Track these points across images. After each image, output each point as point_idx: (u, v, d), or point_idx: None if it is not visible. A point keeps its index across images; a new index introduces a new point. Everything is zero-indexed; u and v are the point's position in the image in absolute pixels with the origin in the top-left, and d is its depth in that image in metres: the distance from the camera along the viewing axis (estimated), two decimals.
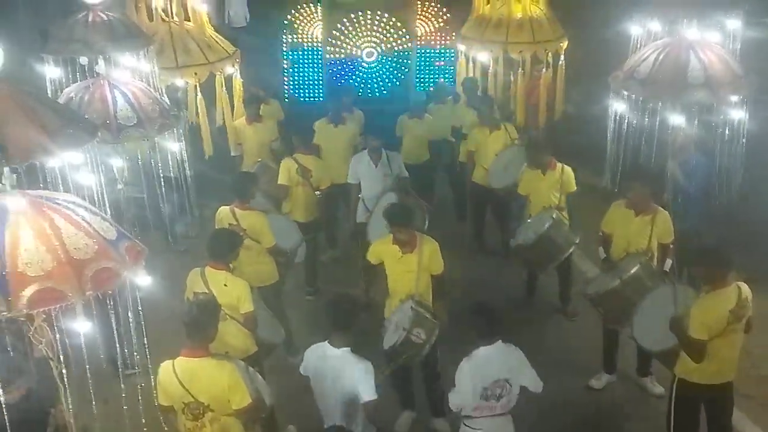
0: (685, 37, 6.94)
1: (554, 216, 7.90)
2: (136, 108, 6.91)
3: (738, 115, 6.90)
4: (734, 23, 8.10)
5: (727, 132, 7.08)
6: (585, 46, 10.42)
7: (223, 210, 7.46)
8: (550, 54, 10.42)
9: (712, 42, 7.20)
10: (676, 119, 6.87)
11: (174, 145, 7.72)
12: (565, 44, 10.48)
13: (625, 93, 6.99)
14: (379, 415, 5.43)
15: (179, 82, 9.69)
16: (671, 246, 7.03)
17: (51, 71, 7.96)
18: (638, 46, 7.75)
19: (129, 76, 7.60)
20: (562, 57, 10.36)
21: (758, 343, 7.27)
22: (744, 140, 7.07)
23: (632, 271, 6.68)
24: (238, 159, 9.93)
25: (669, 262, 7.01)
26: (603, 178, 7.72)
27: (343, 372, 5.30)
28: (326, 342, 5.42)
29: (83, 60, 8.08)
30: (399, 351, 6.32)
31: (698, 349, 5.58)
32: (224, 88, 9.99)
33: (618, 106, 7.10)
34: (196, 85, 9.77)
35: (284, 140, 10.01)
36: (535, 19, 10.61)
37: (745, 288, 5.66)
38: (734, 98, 6.83)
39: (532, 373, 5.58)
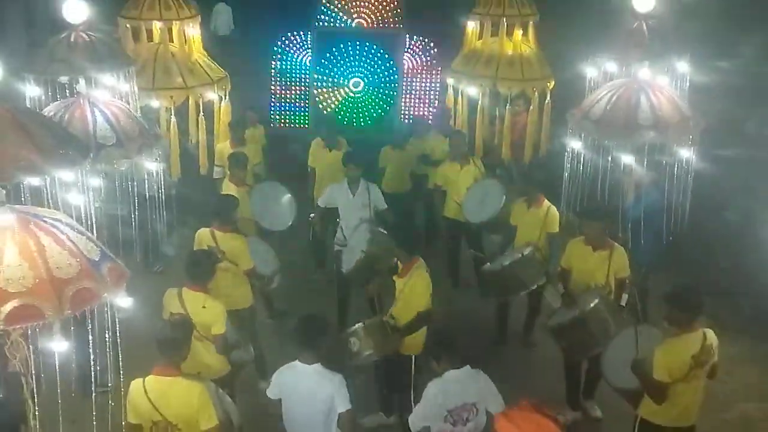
0: (637, 79, 7.60)
1: (525, 252, 8.27)
2: (115, 128, 7.14)
3: (686, 154, 7.57)
4: (684, 66, 8.82)
5: (676, 170, 7.71)
6: (569, 84, 10.88)
7: (203, 232, 7.72)
8: (536, 92, 10.85)
9: (662, 84, 7.88)
10: (630, 158, 7.52)
11: (152, 165, 8.01)
12: (552, 83, 10.93)
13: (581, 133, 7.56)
14: (354, 425, 5.77)
15: (154, 103, 10.05)
16: (627, 281, 7.50)
17: (31, 90, 8.21)
18: (593, 86, 8.42)
19: (109, 95, 7.88)
20: (549, 96, 10.79)
21: (723, 388, 7.67)
22: (691, 178, 7.70)
23: (592, 305, 7.08)
24: (218, 182, 10.23)
25: (625, 297, 7.48)
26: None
27: (317, 386, 5.62)
28: (296, 361, 5.72)
29: (63, 79, 8.33)
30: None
31: (659, 391, 5.89)
32: (202, 112, 10.33)
33: (574, 144, 7.67)
34: (170, 108, 10.10)
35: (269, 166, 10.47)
36: (525, 57, 11.11)
37: (710, 335, 5.97)
38: (683, 137, 7.50)
39: (497, 397, 5.84)
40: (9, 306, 3.91)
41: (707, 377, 6.08)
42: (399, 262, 7.20)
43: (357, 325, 6.99)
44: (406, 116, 13.86)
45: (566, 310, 7.50)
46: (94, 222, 6.40)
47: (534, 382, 8.25)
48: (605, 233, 7.52)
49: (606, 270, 7.38)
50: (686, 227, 8.27)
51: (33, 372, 4.54)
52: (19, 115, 4.17)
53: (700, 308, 5.95)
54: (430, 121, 12.09)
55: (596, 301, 7.08)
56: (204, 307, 6.44)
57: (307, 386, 5.65)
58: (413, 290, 7.00)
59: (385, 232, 8.48)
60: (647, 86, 7.58)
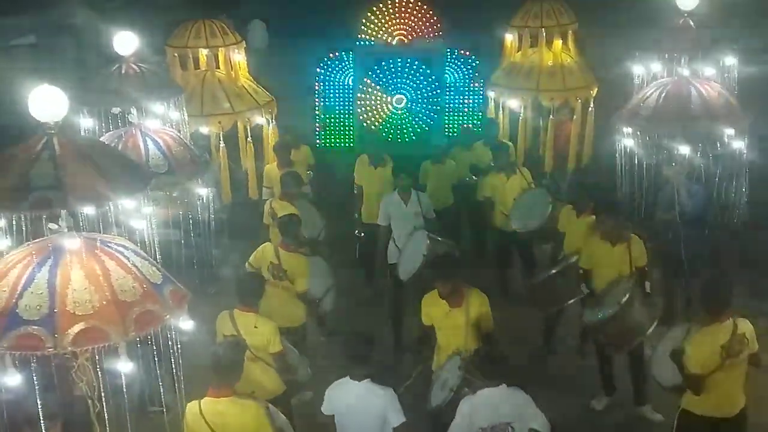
0: (684, 75, 7.76)
1: (571, 261, 8.29)
2: (167, 155, 7.40)
3: (738, 145, 7.68)
4: (731, 60, 8.93)
5: (723, 162, 7.98)
6: (612, 88, 10.90)
7: (267, 246, 7.84)
8: (579, 101, 10.89)
9: (709, 78, 8.07)
10: (680, 153, 7.69)
11: (203, 190, 8.22)
12: (595, 91, 10.95)
13: (631, 130, 7.75)
14: None
15: (204, 129, 10.32)
16: (646, 269, 7.71)
17: (85, 122, 8.50)
18: (642, 85, 8.51)
19: (160, 124, 8.12)
20: (592, 104, 10.81)
21: None
22: (746, 170, 7.87)
23: (625, 299, 7.24)
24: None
25: (648, 285, 7.70)
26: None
27: (368, 401, 5.70)
28: (347, 377, 5.82)
29: (116, 109, 8.60)
30: (445, 410, 6.44)
31: (694, 382, 5.99)
32: (249, 136, 10.55)
33: (626, 143, 7.85)
34: (219, 133, 10.35)
35: (315, 185, 10.65)
36: (566, 67, 11.14)
37: (743, 324, 6.02)
38: (733, 130, 7.59)
39: (540, 415, 5.79)
40: (76, 328, 4.10)
41: (752, 365, 6.11)
42: (442, 291, 6.76)
43: (454, 375, 6.51)
44: (451, 130, 13.99)
45: (594, 309, 7.63)
46: (154, 247, 6.61)
47: (581, 392, 8.29)
48: (623, 227, 7.69)
49: (629, 262, 7.57)
50: (743, 222, 8.32)
51: (100, 394, 4.72)
52: (83, 145, 4.41)
53: (726, 299, 6.02)
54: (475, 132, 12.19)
55: (628, 294, 7.26)
56: (256, 327, 6.57)
57: (358, 402, 5.72)
58: (481, 313, 6.78)
59: (440, 239, 8.58)
60: (695, 80, 7.73)
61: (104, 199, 4.25)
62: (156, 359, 5.11)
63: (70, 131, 4.47)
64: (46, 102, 4.31)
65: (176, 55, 10.84)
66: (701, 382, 5.96)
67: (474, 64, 14.01)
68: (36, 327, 4.09)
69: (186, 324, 4.60)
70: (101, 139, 7.68)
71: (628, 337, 7.37)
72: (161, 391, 5.29)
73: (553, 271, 8.40)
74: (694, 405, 6.17)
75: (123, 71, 8.55)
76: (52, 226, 4.32)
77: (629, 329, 7.30)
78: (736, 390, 6.13)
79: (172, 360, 5.23)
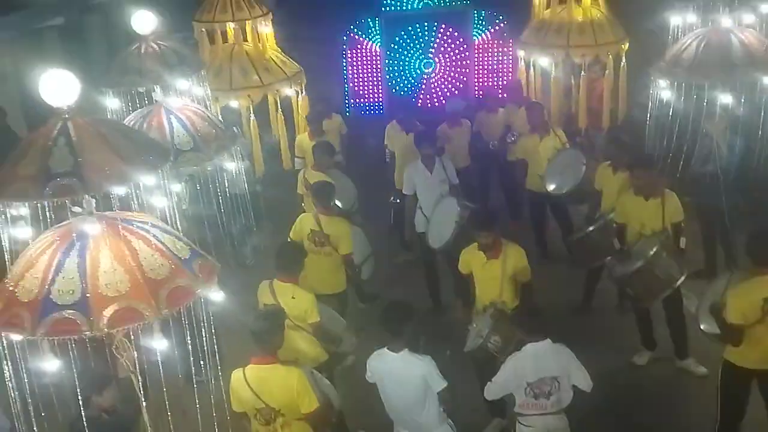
0: (721, 23, 7.54)
1: (610, 216, 8.20)
2: (192, 132, 7.28)
3: None
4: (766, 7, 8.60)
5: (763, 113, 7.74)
6: (643, 43, 10.63)
7: (306, 216, 7.93)
8: (611, 56, 10.67)
9: (747, 26, 7.86)
10: (718, 102, 7.49)
11: (232, 165, 8.20)
12: (626, 45, 10.71)
13: (668, 83, 7.57)
14: (453, 399, 5.84)
15: (233, 103, 10.31)
16: (682, 225, 7.62)
17: (111, 102, 8.51)
18: (678, 36, 8.27)
19: (184, 101, 8.06)
20: (624, 58, 10.59)
21: None
22: None
23: (653, 251, 7.21)
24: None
25: (683, 240, 7.62)
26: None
27: (406, 372, 5.72)
28: (385, 348, 5.83)
29: (140, 89, 8.57)
30: (476, 356, 6.71)
31: (733, 333, 5.94)
32: (279, 108, 10.52)
33: (664, 95, 7.67)
34: (249, 107, 10.33)
35: (347, 154, 10.63)
36: (596, 22, 10.86)
37: None
38: None
39: (582, 372, 5.91)
40: (110, 310, 4.11)
41: None
42: (482, 243, 6.95)
43: (486, 323, 6.68)
44: (480, 93, 13.82)
45: (627, 262, 7.57)
46: (181, 223, 6.59)
47: (623, 348, 8.21)
48: (656, 180, 7.61)
49: (662, 216, 7.50)
50: None
51: (138, 369, 4.75)
52: (99, 125, 4.38)
53: None
54: (503, 95, 11.99)
55: (656, 247, 7.22)
56: (293, 297, 6.61)
57: (397, 373, 5.77)
58: (517, 266, 6.93)
59: (468, 204, 8.49)
60: (733, 28, 7.54)
61: (124, 179, 4.22)
62: (200, 331, 5.11)
63: (85, 114, 4.42)
64: (56, 86, 4.27)
65: (203, 30, 10.79)
66: (739, 334, 5.90)
67: (502, 24, 13.78)
68: (71, 311, 4.10)
69: (217, 296, 4.60)
70: (126, 119, 7.69)
71: (654, 290, 7.35)
72: (207, 361, 5.28)
73: (591, 228, 8.32)
74: (736, 357, 6.13)
75: (143, 50, 8.50)
76: (76, 209, 4.31)
77: (656, 282, 7.28)
78: None
79: (214, 332, 5.26)
